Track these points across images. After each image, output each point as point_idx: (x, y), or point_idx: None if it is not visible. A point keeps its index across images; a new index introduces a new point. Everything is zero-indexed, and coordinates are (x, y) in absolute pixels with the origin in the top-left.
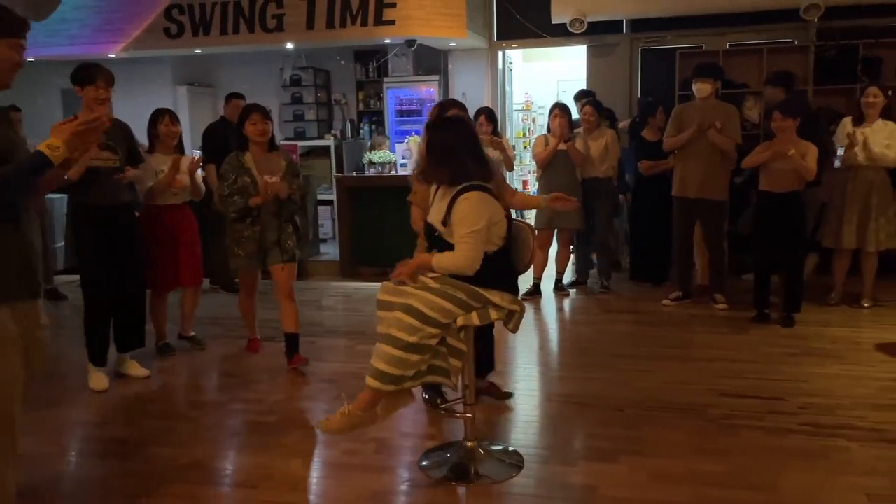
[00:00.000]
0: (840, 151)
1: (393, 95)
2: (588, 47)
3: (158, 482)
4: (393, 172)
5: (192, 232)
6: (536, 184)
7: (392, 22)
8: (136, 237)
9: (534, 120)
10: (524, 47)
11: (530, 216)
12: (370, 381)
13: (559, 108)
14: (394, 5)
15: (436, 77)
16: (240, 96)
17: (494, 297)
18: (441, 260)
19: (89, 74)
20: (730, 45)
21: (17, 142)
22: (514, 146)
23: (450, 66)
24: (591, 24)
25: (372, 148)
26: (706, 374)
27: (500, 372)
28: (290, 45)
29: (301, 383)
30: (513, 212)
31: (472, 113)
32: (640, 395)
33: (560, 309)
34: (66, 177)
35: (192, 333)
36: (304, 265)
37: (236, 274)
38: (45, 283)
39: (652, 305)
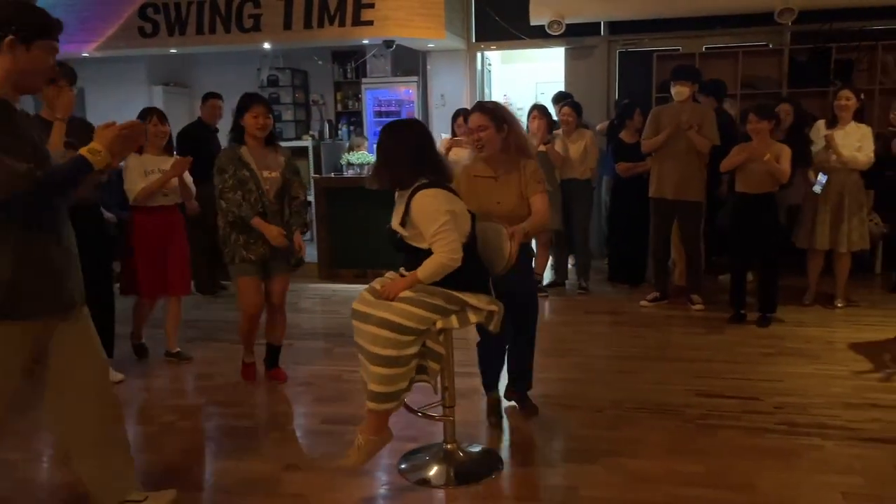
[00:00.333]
0: (815, 149)
1: (371, 96)
2: (566, 49)
3: None
4: None
5: (182, 236)
6: None
7: (370, 22)
8: (103, 240)
9: None
10: (503, 49)
11: None
12: (371, 406)
13: (538, 110)
14: (372, 6)
15: (414, 78)
16: (217, 96)
17: (471, 299)
18: (426, 270)
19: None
20: (706, 48)
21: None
22: None
23: (428, 67)
24: (569, 26)
25: (350, 149)
26: (684, 374)
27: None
28: (267, 46)
29: (278, 387)
30: None
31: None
32: (619, 396)
33: (539, 310)
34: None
35: (178, 349)
36: None
37: (236, 283)
38: None
39: (630, 306)
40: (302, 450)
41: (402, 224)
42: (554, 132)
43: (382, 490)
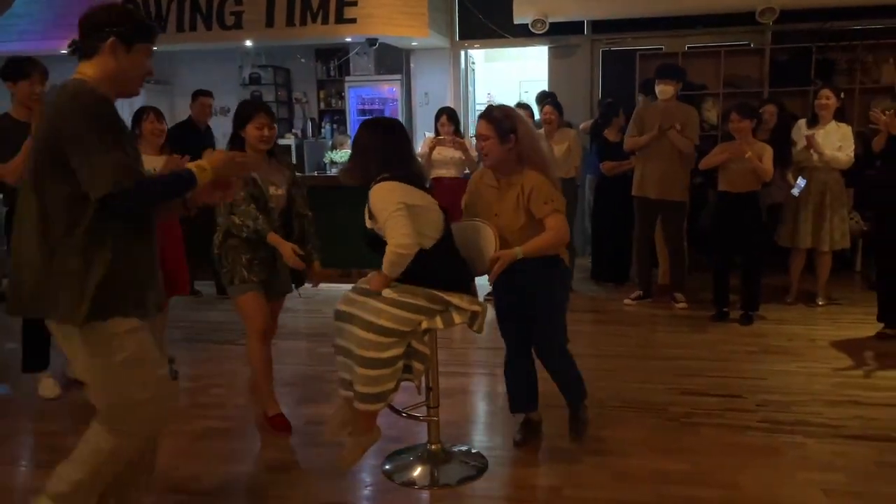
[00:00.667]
0: (796, 148)
1: (355, 94)
2: (549, 48)
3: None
4: None
5: (178, 235)
6: None
7: (353, 20)
8: None
9: None
10: (486, 47)
11: None
12: (361, 406)
13: (521, 109)
14: (355, 3)
15: (398, 76)
16: (207, 94)
17: (454, 298)
18: (385, 262)
19: (23, 69)
20: (688, 48)
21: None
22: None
23: (412, 65)
24: (552, 24)
25: (333, 147)
26: (667, 372)
27: (463, 373)
28: (249, 43)
29: None
30: None
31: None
32: (603, 395)
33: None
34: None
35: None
36: None
37: (237, 303)
38: None
39: (613, 305)
40: (285, 451)
41: (370, 217)
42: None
43: (367, 491)
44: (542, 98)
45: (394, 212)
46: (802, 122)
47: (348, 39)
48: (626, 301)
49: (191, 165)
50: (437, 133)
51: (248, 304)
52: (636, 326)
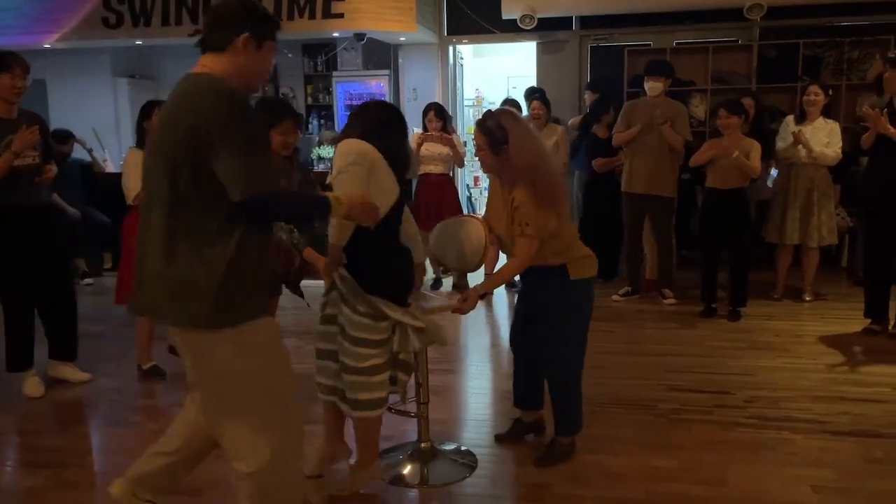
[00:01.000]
0: (779, 144)
1: (342, 90)
2: (538, 43)
3: (98, 493)
4: None
5: None
6: (488, 180)
7: (341, 15)
8: (61, 239)
9: None
10: (474, 42)
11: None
12: (366, 415)
13: (509, 105)
14: None
15: (386, 72)
16: None
17: (394, 312)
18: (331, 230)
19: (3, 62)
20: (676, 44)
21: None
22: (465, 142)
23: (400, 60)
24: (541, 20)
25: (321, 143)
26: (656, 368)
27: (452, 371)
28: None
29: None
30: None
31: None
32: (592, 391)
33: (511, 305)
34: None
35: (154, 362)
36: None
37: None
38: None
39: (601, 301)
40: None
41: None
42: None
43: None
44: (531, 94)
45: (347, 165)
46: (790, 118)
47: (336, 34)
48: (615, 297)
49: (331, 194)
50: (425, 129)
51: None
52: (625, 322)
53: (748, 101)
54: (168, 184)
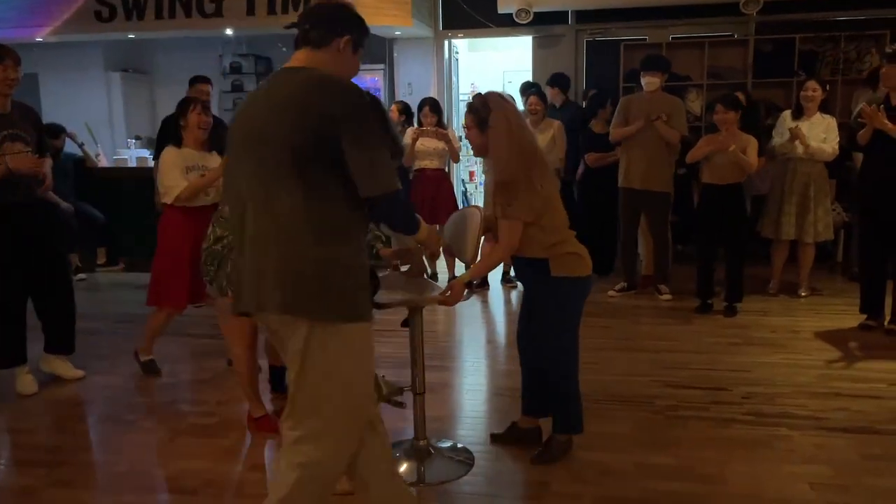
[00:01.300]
0: (776, 139)
1: None
2: (534, 38)
3: (92, 492)
4: None
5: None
6: (483, 176)
7: None
8: (58, 236)
9: None
10: (470, 37)
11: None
12: None
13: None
14: None
15: (381, 66)
16: (204, 80)
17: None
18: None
19: None
20: (672, 38)
21: None
22: (460, 137)
23: (395, 54)
24: (536, 14)
25: None
26: (652, 365)
27: (448, 367)
28: (229, 31)
29: None
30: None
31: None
32: (589, 388)
33: (507, 301)
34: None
35: (152, 357)
36: None
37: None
38: None
39: (597, 297)
40: (268, 449)
41: None
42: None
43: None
44: (527, 88)
45: None
46: (787, 113)
47: None
48: (610, 293)
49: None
50: (420, 124)
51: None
52: (621, 318)
53: (739, 95)
54: (296, 173)
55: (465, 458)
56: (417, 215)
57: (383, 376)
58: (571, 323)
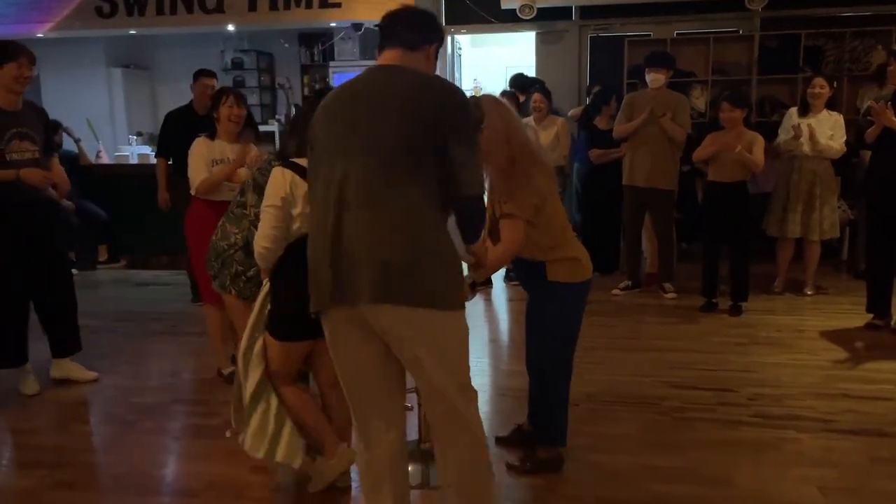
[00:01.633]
0: (781, 137)
1: (339, 80)
2: (537, 34)
3: (94, 493)
4: None
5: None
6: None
7: (338, 5)
8: (59, 235)
9: None
10: (473, 32)
11: None
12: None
13: (508, 97)
14: None
15: None
16: (209, 74)
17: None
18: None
19: (9, 51)
20: (677, 34)
21: None
22: None
23: None
24: (540, 10)
25: None
26: (658, 365)
27: None
28: (231, 27)
29: None
30: None
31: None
32: (594, 389)
33: (511, 299)
34: None
35: (233, 368)
36: None
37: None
38: None
39: (602, 295)
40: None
41: None
42: (523, 120)
43: (355, 491)
44: (530, 84)
45: (267, 206)
46: (793, 110)
47: (333, 24)
48: (615, 291)
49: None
50: None
51: (237, 311)
52: (625, 317)
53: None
54: (413, 161)
55: None
56: None
57: None
58: (569, 326)
